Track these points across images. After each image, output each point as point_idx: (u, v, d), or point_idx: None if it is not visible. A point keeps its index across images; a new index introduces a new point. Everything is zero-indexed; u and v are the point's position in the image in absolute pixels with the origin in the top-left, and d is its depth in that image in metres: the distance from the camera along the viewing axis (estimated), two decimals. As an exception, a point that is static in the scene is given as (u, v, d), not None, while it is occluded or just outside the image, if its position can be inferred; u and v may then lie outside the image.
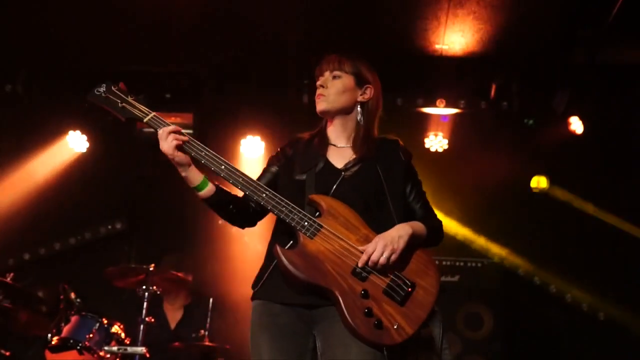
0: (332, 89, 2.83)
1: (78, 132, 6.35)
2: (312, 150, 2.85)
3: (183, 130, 2.70)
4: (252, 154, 6.31)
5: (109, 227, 6.56)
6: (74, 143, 6.37)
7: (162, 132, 2.65)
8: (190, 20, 5.38)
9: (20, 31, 5.57)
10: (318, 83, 2.87)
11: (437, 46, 5.57)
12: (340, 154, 2.84)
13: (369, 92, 2.88)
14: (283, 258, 2.58)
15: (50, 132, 6.40)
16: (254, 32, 5.54)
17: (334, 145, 2.88)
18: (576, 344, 6.12)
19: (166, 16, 5.31)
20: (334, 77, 2.85)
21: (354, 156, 2.81)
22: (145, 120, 2.70)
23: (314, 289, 2.57)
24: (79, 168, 6.40)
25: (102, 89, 2.75)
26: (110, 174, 6.47)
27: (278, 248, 2.60)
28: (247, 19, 5.37)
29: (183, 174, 2.69)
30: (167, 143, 2.63)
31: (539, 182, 6.30)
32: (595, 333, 6.14)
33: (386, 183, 2.76)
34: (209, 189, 2.72)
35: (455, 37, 5.45)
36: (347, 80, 2.84)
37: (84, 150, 6.38)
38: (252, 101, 6.20)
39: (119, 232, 6.58)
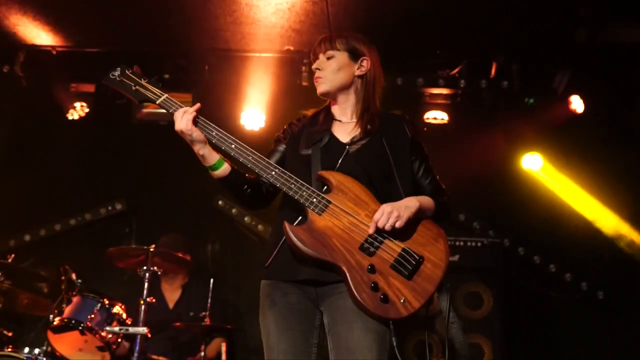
0: (328, 69, 2.86)
1: (80, 104, 6.34)
2: (317, 126, 2.88)
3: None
4: (252, 126, 6.29)
5: (109, 208, 6.56)
6: (74, 113, 6.36)
7: (177, 114, 2.70)
8: (190, 1, 5.36)
9: (19, 12, 5.53)
10: (313, 67, 2.90)
11: (435, 23, 5.54)
12: (345, 129, 2.87)
13: (365, 64, 2.89)
14: (291, 234, 2.61)
15: (49, 114, 6.39)
16: (253, 13, 5.50)
17: (339, 120, 2.91)
18: (575, 323, 6.15)
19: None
20: (328, 58, 2.87)
21: (359, 131, 2.83)
22: (157, 102, 2.77)
23: (322, 264, 2.60)
24: (79, 149, 6.40)
25: (117, 73, 2.83)
26: (111, 154, 6.46)
27: (286, 225, 2.64)
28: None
29: (201, 152, 2.73)
30: (183, 121, 2.68)
31: (531, 160, 6.30)
32: (594, 312, 6.16)
33: (392, 158, 2.78)
34: (224, 168, 2.76)
35: (456, 16, 5.42)
36: (340, 57, 2.86)
37: (77, 117, 6.34)
38: (252, 82, 6.19)
39: (119, 213, 6.58)
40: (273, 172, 2.69)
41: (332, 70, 2.85)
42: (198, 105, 2.73)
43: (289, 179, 2.68)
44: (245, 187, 2.83)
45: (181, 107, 2.74)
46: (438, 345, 5.08)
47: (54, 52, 6.08)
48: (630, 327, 5.94)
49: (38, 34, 5.89)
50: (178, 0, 5.35)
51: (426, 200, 2.73)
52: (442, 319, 2.68)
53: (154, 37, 5.87)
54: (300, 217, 2.69)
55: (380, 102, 2.94)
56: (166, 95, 2.78)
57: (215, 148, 2.75)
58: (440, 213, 2.78)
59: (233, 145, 2.71)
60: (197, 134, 2.69)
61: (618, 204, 6.10)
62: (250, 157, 2.71)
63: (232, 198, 2.91)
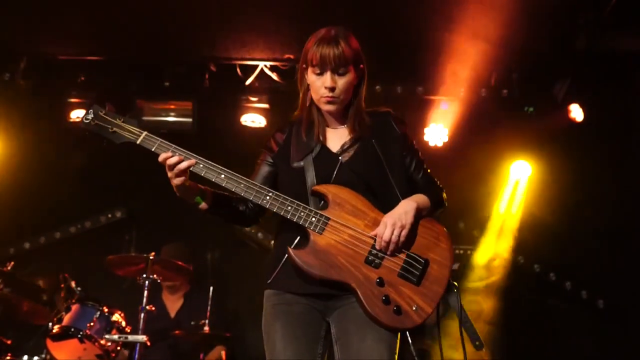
0: (340, 88, 2.70)
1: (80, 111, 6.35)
2: (306, 134, 2.79)
3: (176, 148, 2.64)
4: (254, 124, 6.30)
5: (109, 215, 6.57)
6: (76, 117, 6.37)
7: (163, 161, 2.60)
8: (190, 8, 5.37)
9: (20, 19, 5.55)
10: (328, 84, 2.70)
11: (438, 33, 5.55)
12: (335, 135, 2.80)
13: (361, 74, 2.80)
14: (297, 260, 2.59)
15: (49, 121, 6.39)
16: (253, 21, 5.52)
17: (328, 126, 2.82)
18: (575, 331, 6.14)
19: (164, 4, 5.29)
20: (339, 75, 2.71)
21: (350, 136, 2.77)
22: (138, 141, 2.66)
23: (330, 283, 2.59)
24: (80, 157, 6.39)
25: (90, 117, 2.71)
26: (111, 163, 6.45)
27: (290, 251, 2.60)
28: (245, 5, 5.36)
29: (178, 195, 2.70)
30: (171, 178, 2.61)
31: (521, 168, 6.30)
32: (594, 320, 6.16)
33: (385, 159, 2.73)
34: (204, 205, 2.73)
35: (456, 25, 5.43)
36: (350, 74, 2.73)
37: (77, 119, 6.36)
38: (252, 90, 6.20)
39: (119, 221, 6.58)
40: (267, 197, 2.63)
41: (344, 91, 2.72)
42: (192, 161, 2.61)
43: (284, 201, 2.62)
44: (231, 211, 2.79)
45: (163, 144, 2.63)
46: (437, 353, 5.07)
47: (55, 60, 6.10)
48: (631, 336, 5.92)
49: (39, 42, 5.91)
50: (179, 8, 5.36)
51: (422, 199, 2.69)
52: (439, 325, 2.67)
53: (154, 45, 5.88)
54: (299, 237, 2.65)
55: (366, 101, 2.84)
56: (145, 132, 2.66)
57: (205, 179, 2.68)
58: (436, 205, 2.76)
59: (222, 176, 2.63)
60: (177, 189, 2.66)
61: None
62: (242, 185, 2.64)
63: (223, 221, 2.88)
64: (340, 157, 2.74)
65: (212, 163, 2.65)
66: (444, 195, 2.83)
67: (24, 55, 6.05)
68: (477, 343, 2.64)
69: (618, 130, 6.11)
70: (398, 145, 2.79)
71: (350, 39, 2.76)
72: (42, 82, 6.19)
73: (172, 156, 2.59)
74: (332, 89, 2.69)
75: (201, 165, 2.63)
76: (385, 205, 2.66)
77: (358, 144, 2.76)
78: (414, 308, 2.55)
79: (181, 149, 2.63)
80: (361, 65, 2.80)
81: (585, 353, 6.04)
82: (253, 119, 6.30)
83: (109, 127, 2.70)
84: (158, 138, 2.64)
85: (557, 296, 6.23)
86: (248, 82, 6.14)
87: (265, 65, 6.07)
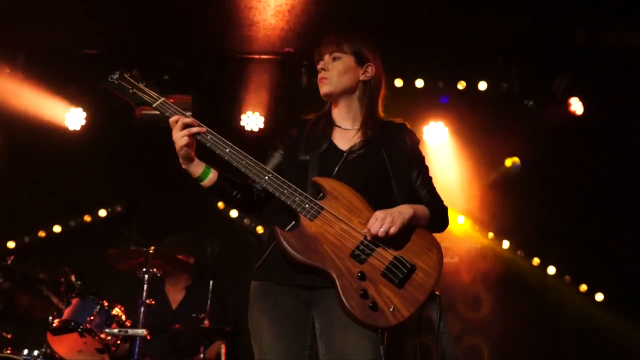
0: (333, 70, 2.83)
1: (79, 110, 6.34)
2: (317, 132, 2.86)
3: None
4: (252, 128, 6.28)
5: (109, 209, 6.56)
6: (73, 122, 6.35)
7: (173, 122, 2.68)
8: (189, 1, 5.36)
9: (19, 14, 5.54)
10: (319, 67, 2.87)
11: (436, 25, 5.54)
12: (345, 136, 2.85)
13: (370, 71, 2.88)
14: (282, 240, 2.59)
15: (49, 114, 6.38)
16: (252, 15, 5.51)
17: (339, 127, 2.88)
18: (574, 324, 6.15)
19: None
20: (334, 59, 2.85)
21: (360, 138, 2.81)
22: (154, 105, 2.77)
23: (312, 270, 2.58)
24: (79, 150, 6.39)
25: (115, 76, 2.86)
26: (110, 156, 6.45)
27: (278, 230, 2.62)
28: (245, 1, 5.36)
29: (184, 167, 2.74)
30: (178, 137, 2.67)
31: (512, 163, 6.30)
32: (592, 313, 6.17)
33: (390, 166, 2.75)
34: (210, 178, 2.76)
35: (456, 19, 5.42)
36: (347, 60, 2.84)
37: (79, 128, 6.36)
38: (251, 84, 6.19)
39: (119, 215, 6.58)
40: (266, 177, 2.67)
41: (337, 72, 2.83)
42: (203, 129, 2.69)
43: (281, 184, 2.66)
44: (235, 193, 2.81)
45: (177, 112, 2.73)
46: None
47: (55, 54, 6.09)
48: (628, 329, 5.93)
49: (38, 36, 5.90)
50: (178, 2, 5.35)
51: (421, 208, 2.70)
52: (432, 326, 2.63)
53: (153, 39, 5.88)
54: (293, 222, 2.66)
55: (383, 109, 2.93)
56: (163, 99, 2.78)
57: (210, 151, 2.73)
58: (437, 222, 2.76)
59: (227, 150, 2.69)
60: (185, 152, 2.68)
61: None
62: (244, 162, 2.69)
63: (224, 203, 2.90)
64: (346, 155, 2.77)
65: (220, 137, 2.72)
66: (447, 215, 2.83)
67: (23, 49, 6.05)
68: (450, 352, 2.57)
69: (617, 125, 6.11)
70: (407, 157, 2.82)
71: (352, 36, 2.87)
72: (41, 75, 6.18)
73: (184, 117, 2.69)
74: (323, 69, 2.84)
75: (208, 137, 2.71)
76: (382, 208, 2.64)
77: (367, 148, 2.79)
78: (391, 309, 2.50)
79: (194, 119, 2.72)
80: (368, 64, 2.87)
81: (585, 347, 6.05)
82: (252, 113, 6.30)
83: (130, 87, 2.83)
84: (174, 106, 2.76)
85: (556, 290, 6.24)
86: (248, 76, 6.14)
87: (265, 60, 6.07)
